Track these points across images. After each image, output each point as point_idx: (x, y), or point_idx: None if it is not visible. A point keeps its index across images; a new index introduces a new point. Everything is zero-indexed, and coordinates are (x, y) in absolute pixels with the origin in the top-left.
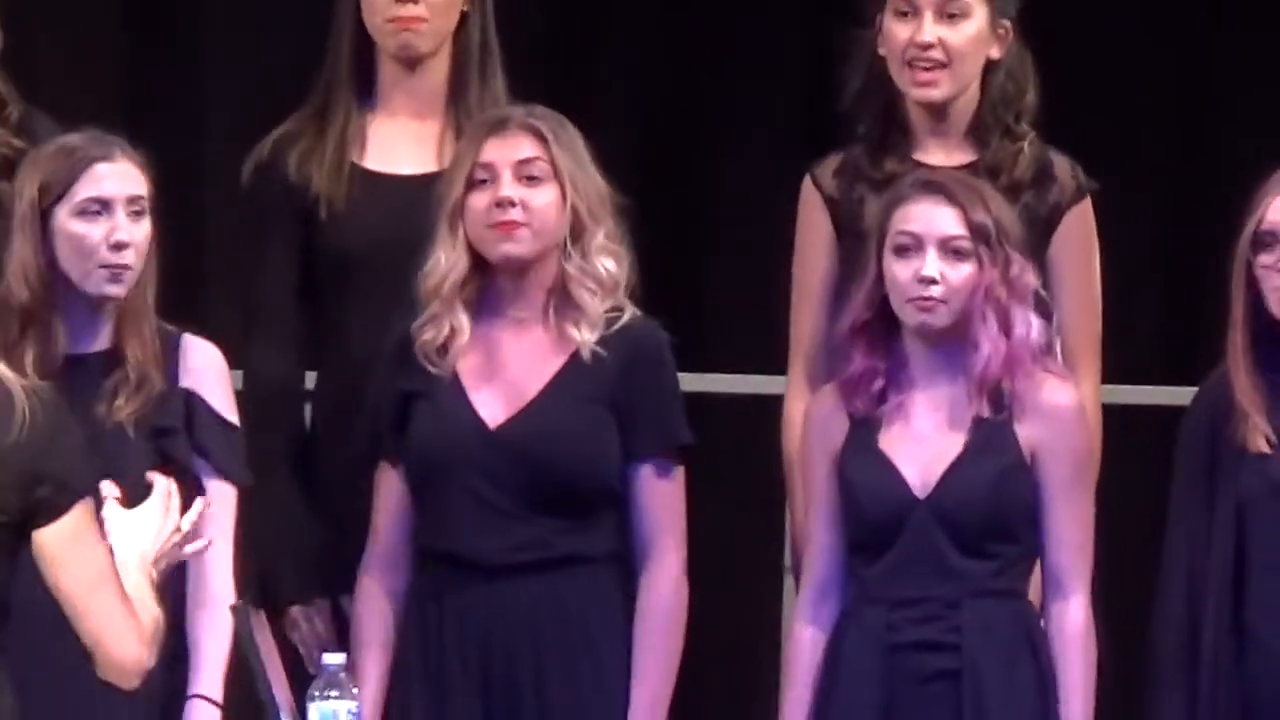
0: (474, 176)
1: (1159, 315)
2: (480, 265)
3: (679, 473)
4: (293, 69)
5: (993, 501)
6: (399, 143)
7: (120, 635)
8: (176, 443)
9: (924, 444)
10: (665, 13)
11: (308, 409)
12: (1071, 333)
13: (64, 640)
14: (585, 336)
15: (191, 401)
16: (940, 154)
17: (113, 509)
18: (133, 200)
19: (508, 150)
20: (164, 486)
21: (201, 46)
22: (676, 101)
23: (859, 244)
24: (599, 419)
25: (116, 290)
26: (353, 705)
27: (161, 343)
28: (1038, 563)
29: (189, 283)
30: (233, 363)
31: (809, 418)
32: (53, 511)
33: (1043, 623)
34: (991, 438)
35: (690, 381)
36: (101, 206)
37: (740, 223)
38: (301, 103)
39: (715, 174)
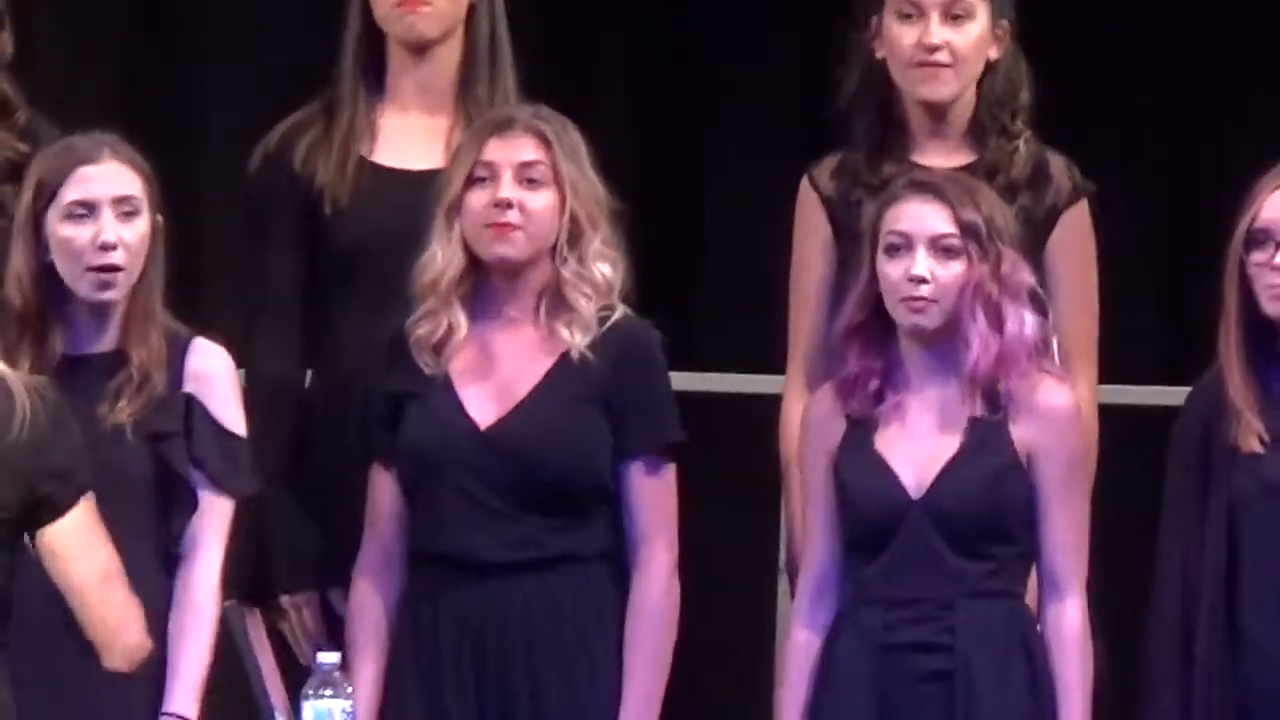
0: (474, 174)
1: (1155, 315)
2: (475, 263)
3: (670, 471)
4: (293, 69)
5: (987, 502)
6: (408, 137)
7: (128, 623)
8: (174, 447)
9: (920, 444)
10: (665, 13)
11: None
12: (1068, 333)
13: (60, 639)
14: (578, 339)
15: (191, 407)
16: (938, 156)
17: None
18: (121, 200)
19: (510, 151)
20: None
21: (201, 46)
22: (676, 102)
23: (857, 245)
24: (590, 418)
25: (107, 296)
26: (347, 704)
27: (170, 345)
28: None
29: (188, 282)
30: (233, 358)
31: (806, 418)
32: (57, 508)
33: (1039, 624)
34: (986, 438)
35: (688, 381)
36: (87, 209)
37: (738, 223)
38: (302, 102)
39: (714, 174)
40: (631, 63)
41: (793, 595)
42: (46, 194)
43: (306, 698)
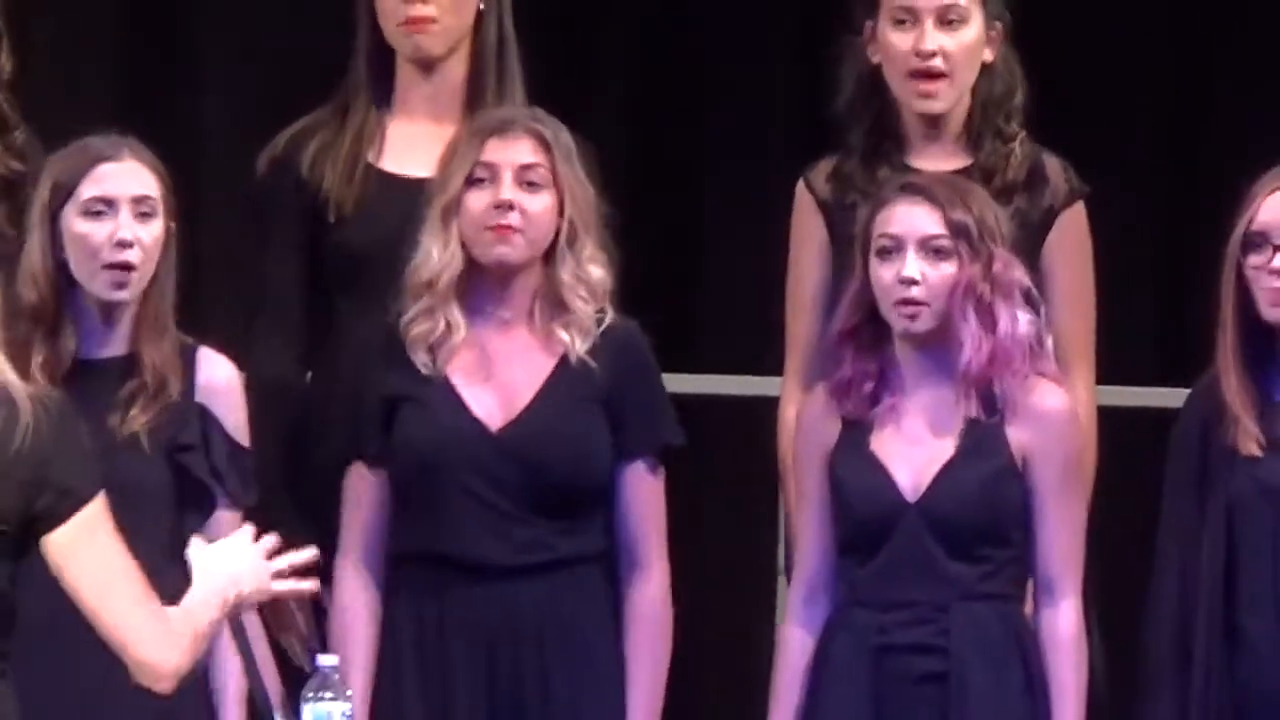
0: (474, 175)
1: (1153, 317)
2: (468, 264)
3: (661, 473)
4: (292, 72)
5: (982, 505)
6: (416, 145)
7: (143, 637)
8: (197, 460)
9: (915, 447)
10: (663, 14)
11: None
12: (1065, 335)
13: (69, 649)
14: (577, 343)
15: (207, 420)
16: (934, 159)
17: (197, 545)
18: (139, 200)
19: (511, 152)
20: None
21: (199, 48)
22: (673, 103)
23: (852, 248)
24: (594, 420)
25: (121, 296)
26: (346, 707)
27: (180, 354)
28: None
29: (186, 284)
30: (232, 360)
31: (801, 418)
32: (55, 519)
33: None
34: (982, 441)
35: (686, 383)
36: (106, 206)
37: (736, 224)
38: (301, 105)
39: (711, 176)
40: (630, 63)
41: None
42: (64, 191)
43: (306, 700)
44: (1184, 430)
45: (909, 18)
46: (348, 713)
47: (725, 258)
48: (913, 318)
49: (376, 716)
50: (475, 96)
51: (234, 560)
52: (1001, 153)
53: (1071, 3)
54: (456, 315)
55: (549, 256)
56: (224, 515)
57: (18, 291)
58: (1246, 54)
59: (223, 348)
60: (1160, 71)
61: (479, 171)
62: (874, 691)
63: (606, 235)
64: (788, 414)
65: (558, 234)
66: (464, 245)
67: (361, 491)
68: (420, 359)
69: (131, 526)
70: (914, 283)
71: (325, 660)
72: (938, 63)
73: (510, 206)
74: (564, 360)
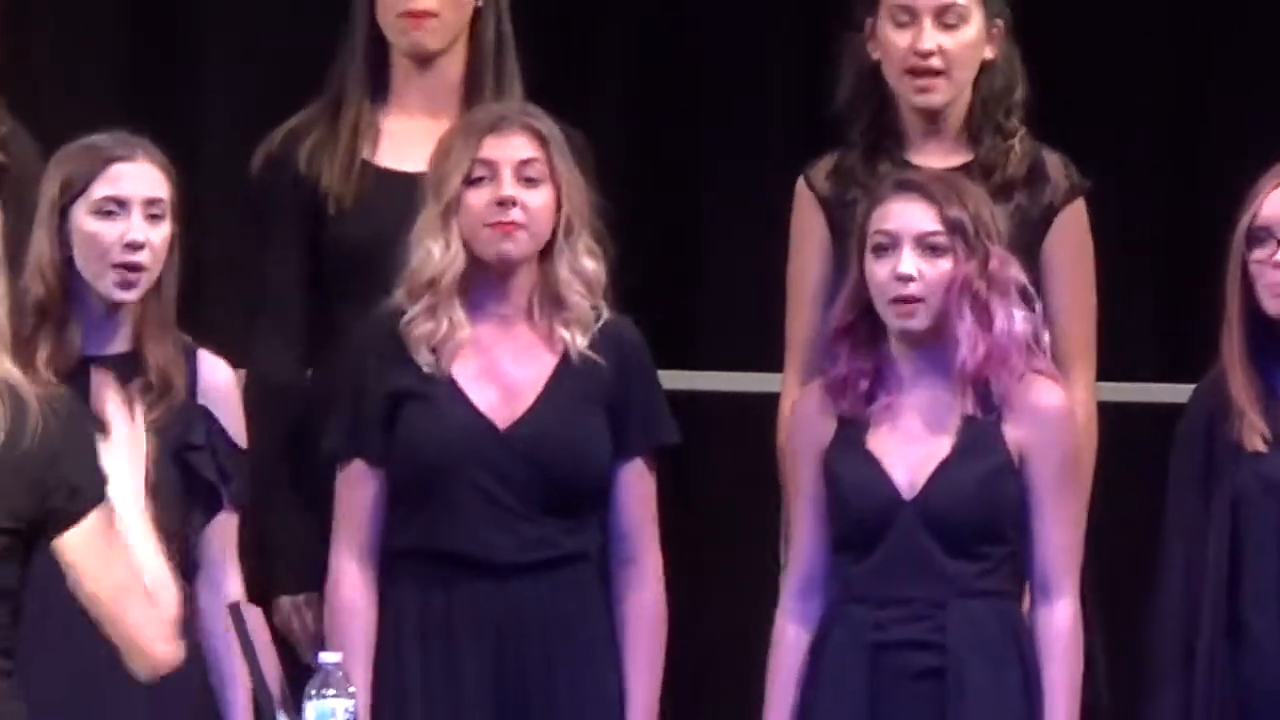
0: (472, 173)
1: (1155, 313)
2: (470, 261)
3: (654, 471)
4: (293, 69)
5: (980, 503)
6: (412, 140)
7: (149, 634)
8: (204, 460)
9: (912, 444)
10: (661, 13)
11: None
12: (1066, 333)
13: (76, 646)
14: (578, 340)
15: (210, 421)
16: (934, 156)
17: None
18: (151, 202)
19: (508, 149)
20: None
21: (200, 46)
22: (672, 101)
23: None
24: (596, 419)
25: (127, 296)
26: (349, 704)
27: (181, 352)
28: None
29: (187, 285)
30: (232, 360)
31: (796, 413)
32: (67, 520)
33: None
34: (979, 438)
35: (685, 380)
36: (118, 206)
37: (736, 222)
38: (302, 103)
39: (710, 175)
40: (628, 62)
41: None
42: (75, 188)
43: (309, 697)
44: (1189, 426)
45: (907, 16)
46: (351, 710)
47: (725, 255)
48: (909, 315)
49: (378, 713)
50: (472, 93)
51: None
52: (1001, 149)
53: (1071, 2)
54: (459, 314)
55: (546, 252)
56: (229, 518)
57: (24, 285)
58: (1245, 51)
59: (223, 348)
60: (1160, 68)
61: (478, 170)
62: (870, 688)
63: (601, 229)
64: (787, 410)
65: (555, 229)
66: (465, 243)
67: (358, 489)
68: (423, 358)
69: None
70: (910, 279)
71: (328, 658)
72: (935, 62)
73: (513, 203)
74: (565, 357)
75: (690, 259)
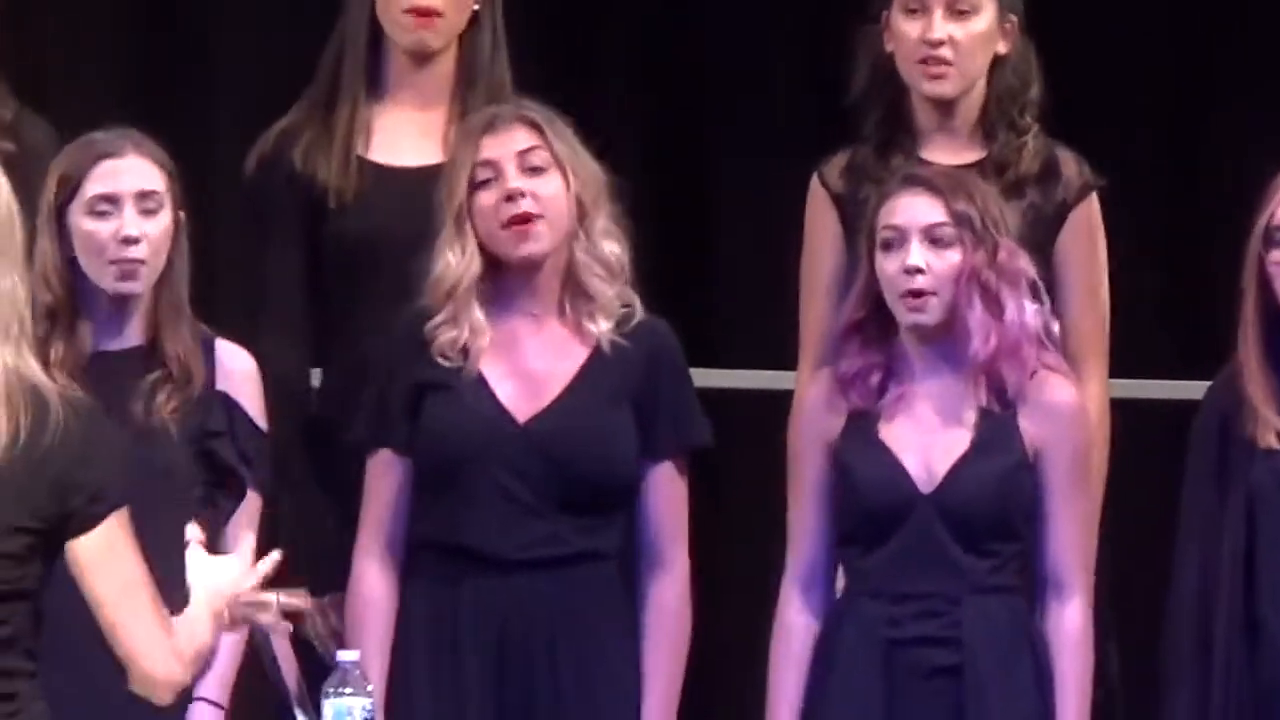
0: (476, 176)
1: (1168, 309)
2: (489, 263)
3: (686, 473)
4: (302, 63)
5: (998, 499)
6: (404, 134)
7: (151, 649)
8: (224, 446)
9: (927, 437)
10: (667, 10)
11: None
12: (1078, 330)
13: (95, 649)
14: (602, 326)
15: (230, 407)
16: (947, 152)
17: (196, 551)
18: (144, 196)
19: (507, 144)
20: (249, 546)
21: (209, 41)
22: (685, 98)
23: None
24: (623, 417)
25: (130, 287)
26: (366, 702)
27: (199, 342)
28: None
29: (200, 282)
30: None
31: (803, 403)
32: (87, 522)
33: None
34: (996, 434)
35: (700, 377)
36: (109, 204)
37: (750, 220)
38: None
39: (724, 172)
40: (638, 59)
41: None
42: (69, 188)
43: (327, 695)
44: (1203, 423)
45: (919, 7)
46: (368, 708)
47: (739, 253)
48: (920, 309)
49: (390, 707)
50: (463, 85)
51: (222, 578)
52: (1014, 145)
53: (1076, 1)
54: (479, 319)
55: (568, 241)
56: (252, 498)
57: (32, 291)
58: (1255, 46)
59: (238, 342)
60: (1171, 64)
61: (481, 172)
62: (886, 684)
63: (620, 211)
64: None
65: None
66: (483, 246)
67: (385, 479)
68: (450, 358)
69: (162, 513)
70: (919, 271)
71: (345, 656)
72: (945, 52)
73: (521, 194)
74: (596, 353)
75: (703, 256)
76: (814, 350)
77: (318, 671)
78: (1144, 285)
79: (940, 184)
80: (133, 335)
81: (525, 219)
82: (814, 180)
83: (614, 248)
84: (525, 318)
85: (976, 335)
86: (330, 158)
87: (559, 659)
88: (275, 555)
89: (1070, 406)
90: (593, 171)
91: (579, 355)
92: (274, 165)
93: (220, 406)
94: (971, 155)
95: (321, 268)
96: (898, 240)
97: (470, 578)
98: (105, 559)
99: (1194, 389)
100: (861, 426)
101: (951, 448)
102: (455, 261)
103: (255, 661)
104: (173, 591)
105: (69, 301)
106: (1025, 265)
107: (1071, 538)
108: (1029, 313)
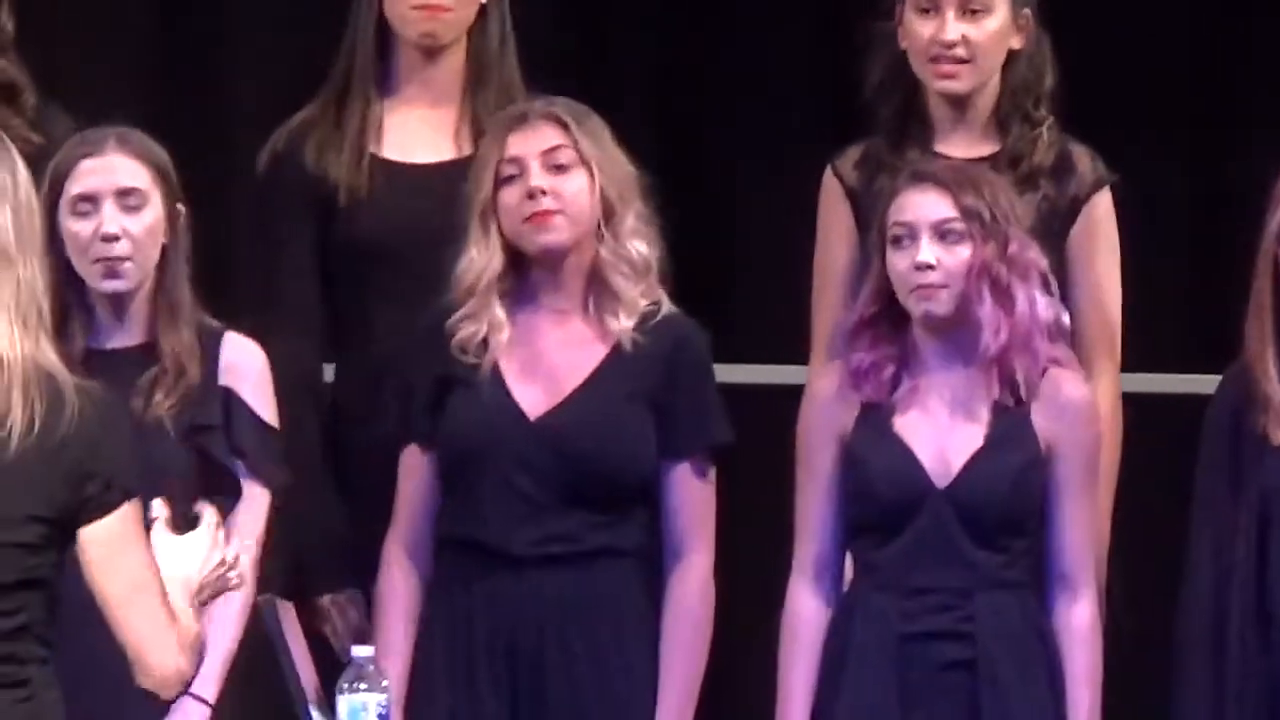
0: (501, 173)
1: (1181, 304)
2: (515, 259)
3: (712, 472)
4: (316, 60)
5: (1012, 496)
6: (415, 132)
7: (159, 643)
8: (214, 440)
9: (941, 431)
10: (686, 3)
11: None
12: (1091, 325)
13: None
14: (624, 324)
15: (230, 400)
16: (961, 146)
17: (160, 532)
18: (124, 193)
19: (532, 142)
20: (212, 518)
21: (224, 38)
22: (700, 93)
23: None
24: (638, 414)
25: (115, 285)
26: (382, 698)
27: (204, 338)
28: None
29: (219, 275)
30: None
31: (815, 394)
32: (99, 509)
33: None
34: (1011, 430)
35: (717, 373)
36: (89, 202)
37: (765, 214)
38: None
39: (740, 167)
40: (653, 53)
41: None
42: (56, 188)
43: (341, 691)
44: (1216, 416)
45: (931, 6)
46: (383, 704)
47: (754, 247)
48: (931, 298)
49: (410, 702)
50: (475, 83)
51: (189, 560)
52: (1029, 137)
53: None
54: (499, 315)
55: (593, 238)
56: (255, 493)
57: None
58: (1275, 39)
59: (251, 337)
60: (1188, 56)
61: (506, 168)
62: (900, 677)
63: (651, 212)
64: None
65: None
66: (506, 242)
67: (411, 474)
68: (470, 355)
69: None
70: (929, 267)
71: (360, 651)
72: (959, 51)
73: (542, 192)
74: (614, 352)
75: (719, 251)
76: (825, 342)
77: (336, 671)
78: (1156, 279)
79: (949, 179)
80: (132, 333)
81: (545, 215)
82: (828, 173)
83: (641, 247)
84: (548, 314)
85: (988, 328)
86: (341, 154)
87: (572, 655)
88: (250, 544)
89: (1083, 404)
90: (623, 170)
91: (598, 352)
92: (286, 162)
93: (218, 400)
94: (986, 148)
95: (332, 265)
96: (908, 237)
97: (484, 574)
98: (115, 551)
99: (1206, 383)
100: (875, 419)
101: (966, 442)
102: (478, 257)
103: (262, 658)
104: None
105: (61, 301)
106: (1036, 257)
107: (1082, 535)
108: (1040, 305)
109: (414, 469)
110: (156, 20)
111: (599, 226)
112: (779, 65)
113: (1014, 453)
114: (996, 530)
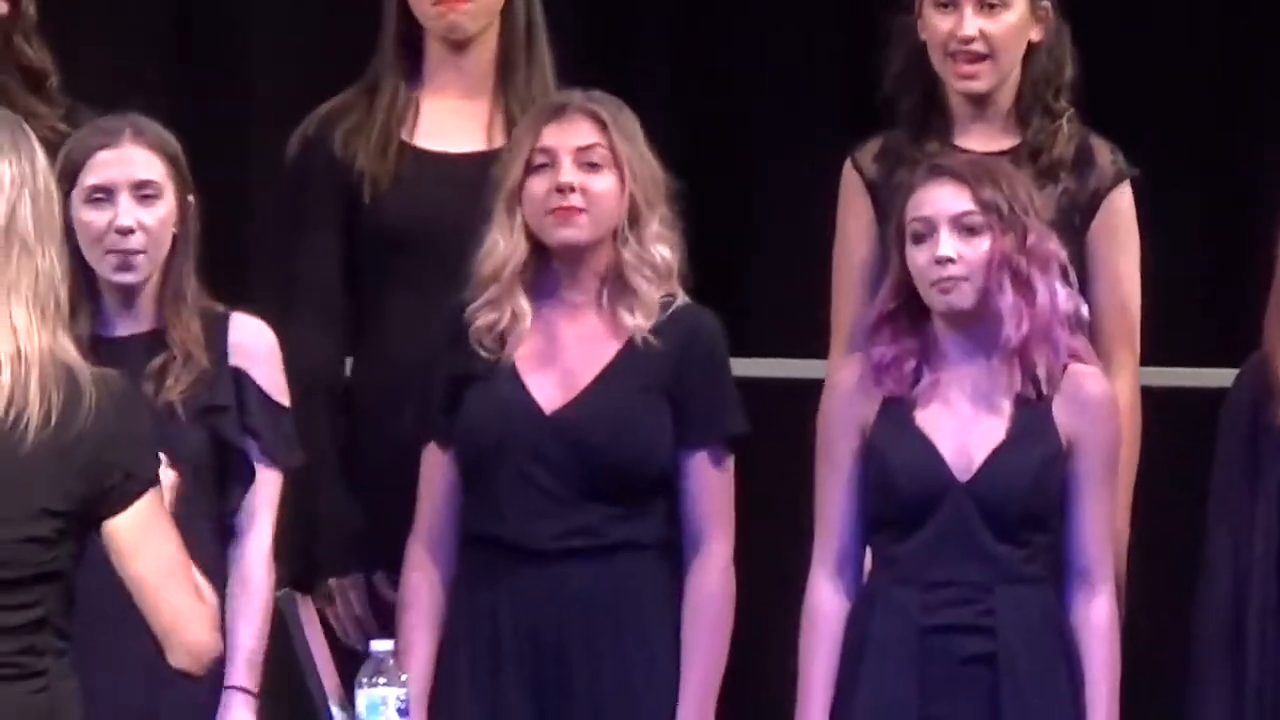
0: (533, 161)
1: (1201, 297)
2: (536, 249)
3: (729, 462)
4: (340, 49)
5: (1034, 490)
6: (447, 121)
7: (192, 622)
8: (227, 421)
9: (963, 425)
10: (706, 1)
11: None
12: (1110, 319)
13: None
14: (640, 322)
15: (241, 381)
16: (981, 139)
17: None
18: (140, 185)
19: (568, 135)
20: (170, 479)
21: (250, 34)
22: (720, 88)
23: None
24: (654, 405)
25: (128, 278)
26: (400, 692)
27: (211, 322)
28: None
29: (236, 266)
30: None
31: (836, 388)
32: (122, 500)
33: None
34: (1033, 424)
35: (735, 366)
36: (105, 194)
37: (786, 209)
38: (348, 83)
39: (760, 159)
40: (674, 50)
41: None
42: (69, 177)
43: (360, 685)
44: (1233, 409)
45: (949, 2)
46: (402, 698)
47: (774, 241)
48: (952, 290)
49: (435, 699)
50: (505, 73)
51: None
52: (1049, 130)
53: None
54: (522, 303)
55: (616, 237)
56: (266, 475)
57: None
58: None
59: (271, 328)
60: (1208, 50)
61: (538, 157)
62: (920, 671)
63: (675, 216)
64: None
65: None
66: (530, 231)
67: (432, 472)
68: (486, 347)
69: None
70: (949, 261)
71: (379, 646)
72: (978, 46)
73: (571, 188)
74: (629, 345)
75: (739, 245)
76: (844, 335)
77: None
78: (1174, 273)
79: (966, 172)
80: (141, 321)
81: (570, 211)
82: (847, 165)
83: (665, 251)
84: (564, 307)
85: (1009, 320)
86: (370, 142)
87: (596, 650)
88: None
89: (1104, 399)
90: (653, 172)
91: (613, 346)
92: (315, 147)
93: (229, 381)
94: (1007, 142)
95: (358, 253)
96: (927, 232)
97: (506, 569)
98: (144, 537)
99: (1223, 377)
100: (896, 413)
101: (988, 436)
102: (503, 244)
103: (285, 653)
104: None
105: (70, 289)
106: (1056, 248)
107: (1102, 530)
108: (1061, 296)
109: (433, 467)
110: (174, 12)
111: (624, 228)
112: (799, 57)
113: (1035, 447)
114: (1018, 524)
